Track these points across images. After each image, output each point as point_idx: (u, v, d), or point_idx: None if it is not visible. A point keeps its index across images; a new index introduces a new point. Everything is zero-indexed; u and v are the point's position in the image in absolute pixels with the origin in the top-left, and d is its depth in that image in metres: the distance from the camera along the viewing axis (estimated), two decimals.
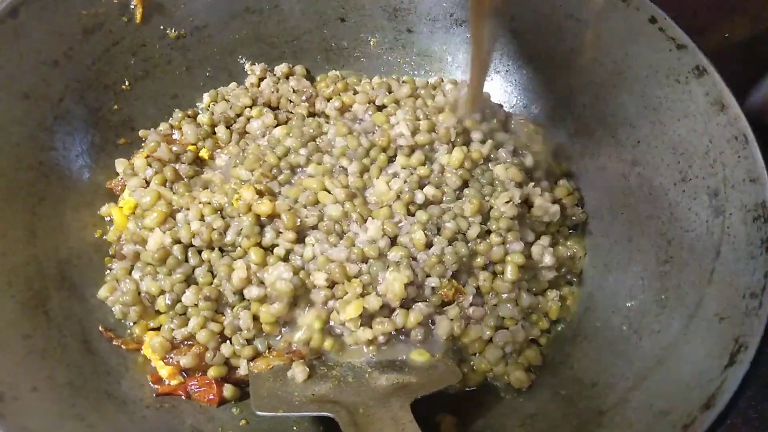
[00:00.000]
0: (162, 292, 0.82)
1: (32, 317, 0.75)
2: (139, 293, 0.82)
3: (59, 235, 0.86)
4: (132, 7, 1.00)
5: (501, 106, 1.08)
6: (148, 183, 0.92)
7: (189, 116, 1.03)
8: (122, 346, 0.81)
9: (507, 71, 1.11)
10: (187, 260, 0.83)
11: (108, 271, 0.87)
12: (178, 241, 0.83)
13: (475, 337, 0.81)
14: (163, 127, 1.01)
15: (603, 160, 0.99)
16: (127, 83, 1.00)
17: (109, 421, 0.70)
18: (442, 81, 1.09)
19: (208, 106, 1.05)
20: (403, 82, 1.06)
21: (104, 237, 0.90)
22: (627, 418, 0.69)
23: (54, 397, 0.68)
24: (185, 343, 0.81)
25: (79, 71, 0.94)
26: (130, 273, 0.84)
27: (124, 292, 0.82)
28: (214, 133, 1.01)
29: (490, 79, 1.10)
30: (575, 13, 1.00)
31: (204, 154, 0.98)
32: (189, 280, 0.83)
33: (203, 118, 1.01)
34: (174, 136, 1.01)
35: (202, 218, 0.84)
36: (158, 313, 0.84)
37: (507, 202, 0.84)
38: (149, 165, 0.93)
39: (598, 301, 0.88)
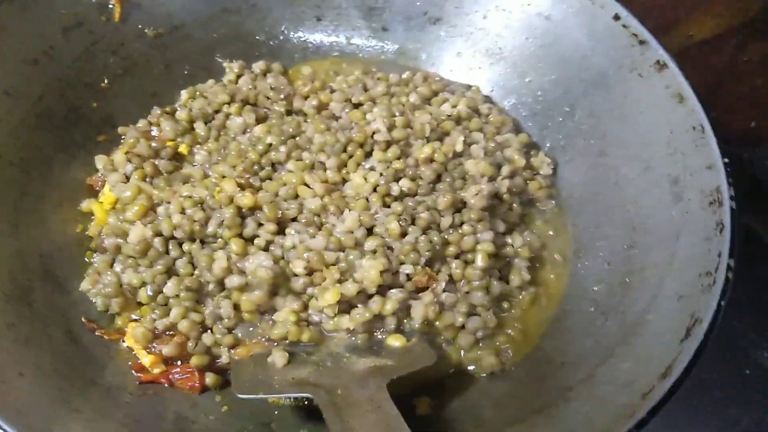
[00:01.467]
0: (143, 284, 0.84)
1: (16, 308, 0.76)
2: (121, 285, 0.84)
3: (42, 230, 0.87)
4: (110, 6, 1.01)
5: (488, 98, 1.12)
6: (128, 178, 0.93)
7: (167, 113, 1.05)
8: (105, 336, 0.83)
9: (480, 67, 1.14)
10: (168, 252, 0.85)
11: (91, 264, 0.89)
12: (159, 234, 0.85)
13: (449, 323, 0.84)
14: (141, 123, 1.03)
15: (572, 152, 1.02)
16: (106, 81, 1.02)
17: (95, 406, 0.71)
18: (414, 75, 1.12)
19: (186, 103, 1.06)
20: (378, 79, 1.09)
21: (86, 232, 0.92)
22: (593, 392, 0.72)
23: (41, 383, 0.69)
24: (167, 332, 0.83)
25: (60, 70, 0.96)
26: (111, 266, 0.86)
27: (105, 284, 0.83)
28: (193, 129, 1.03)
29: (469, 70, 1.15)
30: (544, 11, 1.04)
31: (183, 150, 1.00)
32: (170, 272, 0.85)
33: (181, 114, 1.02)
34: (153, 133, 1.02)
35: (182, 211, 0.86)
36: (140, 304, 0.85)
37: (476, 195, 0.87)
38: (129, 161, 0.94)
39: (568, 286, 0.92)
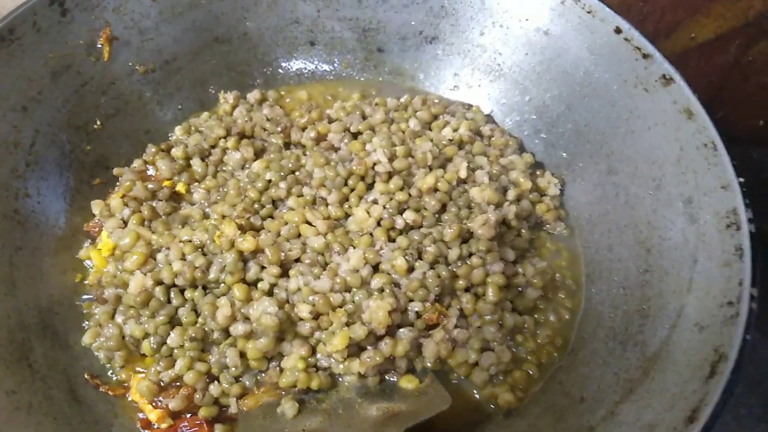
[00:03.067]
0: (146, 335, 0.81)
1: (16, 371, 0.74)
2: (123, 337, 0.82)
3: (39, 284, 0.85)
4: (99, 46, 0.99)
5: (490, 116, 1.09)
6: (125, 223, 0.91)
7: (163, 150, 1.03)
8: (109, 392, 0.80)
9: (479, 85, 1.11)
10: (170, 301, 0.83)
11: (91, 316, 0.87)
12: (159, 282, 0.83)
13: (462, 360, 0.81)
14: (137, 163, 1.01)
15: (578, 170, 1.00)
16: (98, 122, 0.99)
17: None
18: (412, 99, 1.09)
19: (180, 140, 1.04)
20: (376, 104, 1.06)
21: (85, 281, 0.90)
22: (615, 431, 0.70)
23: None
24: (173, 385, 0.80)
25: (50, 114, 0.93)
26: (112, 317, 0.84)
27: (108, 337, 0.81)
28: (189, 166, 1.01)
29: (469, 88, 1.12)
30: (542, 26, 1.01)
31: (181, 188, 0.98)
32: (173, 321, 0.83)
33: (177, 152, 1.00)
34: (149, 172, 1.00)
35: (183, 257, 0.84)
36: (143, 356, 0.83)
37: (483, 224, 0.85)
38: (126, 205, 0.92)
39: (585, 313, 0.89)
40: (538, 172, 1.01)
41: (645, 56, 0.90)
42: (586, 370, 0.81)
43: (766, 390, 0.98)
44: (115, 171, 0.99)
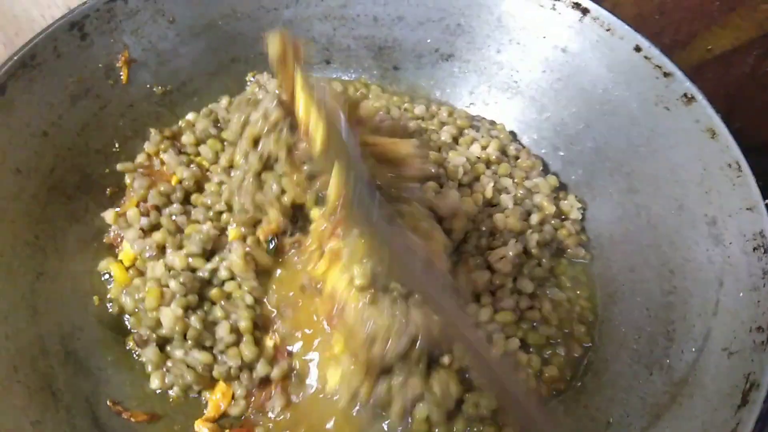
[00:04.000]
0: (215, 359, 0.81)
1: (40, 401, 0.74)
2: (188, 366, 0.81)
3: (60, 309, 0.85)
4: (117, 66, 0.99)
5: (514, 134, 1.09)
6: (144, 232, 0.91)
7: (168, 138, 1.01)
8: (131, 418, 0.80)
9: (496, 102, 1.11)
10: (206, 315, 0.83)
11: (127, 347, 0.86)
12: (188, 307, 0.82)
13: None
14: (140, 158, 0.99)
15: (599, 189, 0.99)
16: (117, 145, 1.00)
17: None
18: (439, 108, 1.09)
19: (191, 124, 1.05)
20: (405, 110, 1.07)
21: (108, 304, 0.89)
22: None
23: None
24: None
25: (69, 139, 0.94)
26: (162, 351, 0.83)
27: (178, 375, 0.81)
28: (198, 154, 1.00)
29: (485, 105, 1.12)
30: (560, 44, 1.01)
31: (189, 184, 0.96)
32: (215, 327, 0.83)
33: (188, 138, 1.00)
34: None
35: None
36: (214, 380, 0.82)
37: (501, 259, 0.84)
38: (142, 214, 0.92)
39: (606, 334, 0.88)
40: (560, 194, 1.00)
41: (666, 74, 0.90)
42: (611, 393, 0.81)
43: None
44: (119, 167, 0.98)
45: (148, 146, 1.00)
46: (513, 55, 1.07)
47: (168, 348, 0.82)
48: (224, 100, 1.07)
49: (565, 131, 1.04)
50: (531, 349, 0.85)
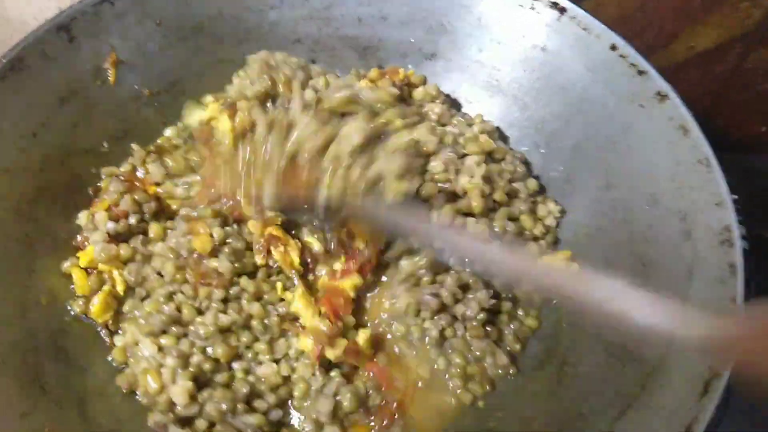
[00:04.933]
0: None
1: (29, 394, 0.76)
2: None
3: (51, 306, 0.87)
4: (105, 68, 1.01)
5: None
6: (110, 236, 0.89)
7: (153, 152, 1.02)
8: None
9: (479, 101, 1.13)
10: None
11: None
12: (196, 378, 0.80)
13: None
14: (124, 168, 1.00)
15: (578, 185, 1.01)
16: (106, 145, 1.02)
17: None
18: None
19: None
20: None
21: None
22: None
23: None
24: None
25: (58, 139, 0.95)
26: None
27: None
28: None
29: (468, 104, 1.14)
30: (539, 42, 1.03)
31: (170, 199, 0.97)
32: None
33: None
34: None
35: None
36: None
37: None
38: (111, 219, 0.90)
39: (580, 328, 0.90)
40: (539, 198, 1.02)
41: (641, 72, 0.91)
42: (586, 386, 0.83)
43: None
44: (104, 171, 0.99)
45: (131, 160, 1.01)
46: (494, 54, 1.09)
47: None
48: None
49: (545, 129, 1.06)
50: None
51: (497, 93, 1.11)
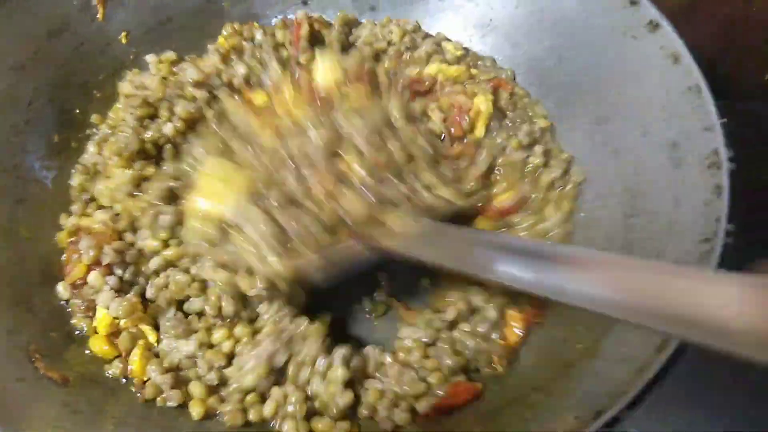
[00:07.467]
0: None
1: (16, 314, 0.78)
2: None
3: (39, 234, 0.88)
4: (93, 4, 1.01)
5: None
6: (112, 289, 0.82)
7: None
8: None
9: (471, 40, 1.11)
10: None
11: None
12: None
13: None
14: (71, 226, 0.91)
15: (572, 121, 0.99)
16: (100, 77, 1.02)
17: (96, 405, 0.73)
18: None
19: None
20: None
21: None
22: (593, 367, 0.71)
23: (40, 386, 0.71)
24: None
25: (48, 73, 0.96)
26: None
27: None
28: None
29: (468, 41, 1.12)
30: None
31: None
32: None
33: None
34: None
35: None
36: None
37: None
38: (104, 275, 0.82)
39: None
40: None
41: (632, 3, 0.89)
42: (572, 311, 0.82)
43: None
44: (59, 238, 0.89)
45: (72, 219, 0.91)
46: None
47: None
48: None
49: (539, 66, 1.04)
50: None
51: (491, 31, 1.09)
